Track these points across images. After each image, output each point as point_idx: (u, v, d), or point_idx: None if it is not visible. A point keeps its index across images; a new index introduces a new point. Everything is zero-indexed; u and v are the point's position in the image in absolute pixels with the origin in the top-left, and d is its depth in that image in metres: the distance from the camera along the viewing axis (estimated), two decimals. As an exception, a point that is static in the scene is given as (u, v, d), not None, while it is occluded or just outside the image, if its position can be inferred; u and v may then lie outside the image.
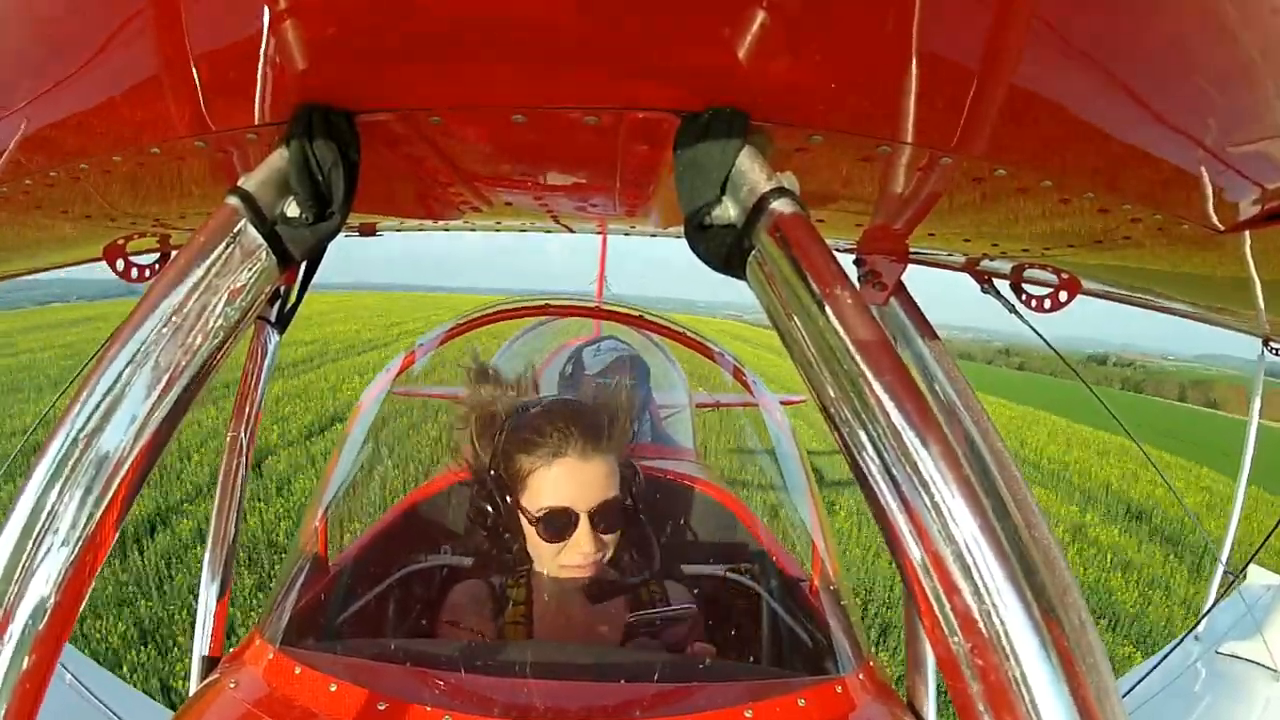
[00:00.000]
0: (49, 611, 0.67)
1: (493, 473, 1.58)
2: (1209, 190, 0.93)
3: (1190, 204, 0.97)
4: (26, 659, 0.66)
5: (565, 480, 1.48)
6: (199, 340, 0.72)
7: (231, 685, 1.26)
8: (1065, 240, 1.21)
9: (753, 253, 0.73)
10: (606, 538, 1.50)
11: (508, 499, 1.54)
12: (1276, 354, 2.88)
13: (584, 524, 1.47)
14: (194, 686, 1.58)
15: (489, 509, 1.58)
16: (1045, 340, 1.86)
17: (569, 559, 1.49)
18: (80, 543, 0.67)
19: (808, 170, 0.80)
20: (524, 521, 1.52)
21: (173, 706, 4.24)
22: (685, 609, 1.60)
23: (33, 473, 0.68)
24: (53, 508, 0.67)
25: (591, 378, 3.52)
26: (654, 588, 1.62)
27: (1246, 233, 1.05)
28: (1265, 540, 3.60)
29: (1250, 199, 0.98)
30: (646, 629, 1.56)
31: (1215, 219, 1.00)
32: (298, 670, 1.24)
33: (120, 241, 1.53)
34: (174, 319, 0.72)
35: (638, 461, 1.71)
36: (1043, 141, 0.83)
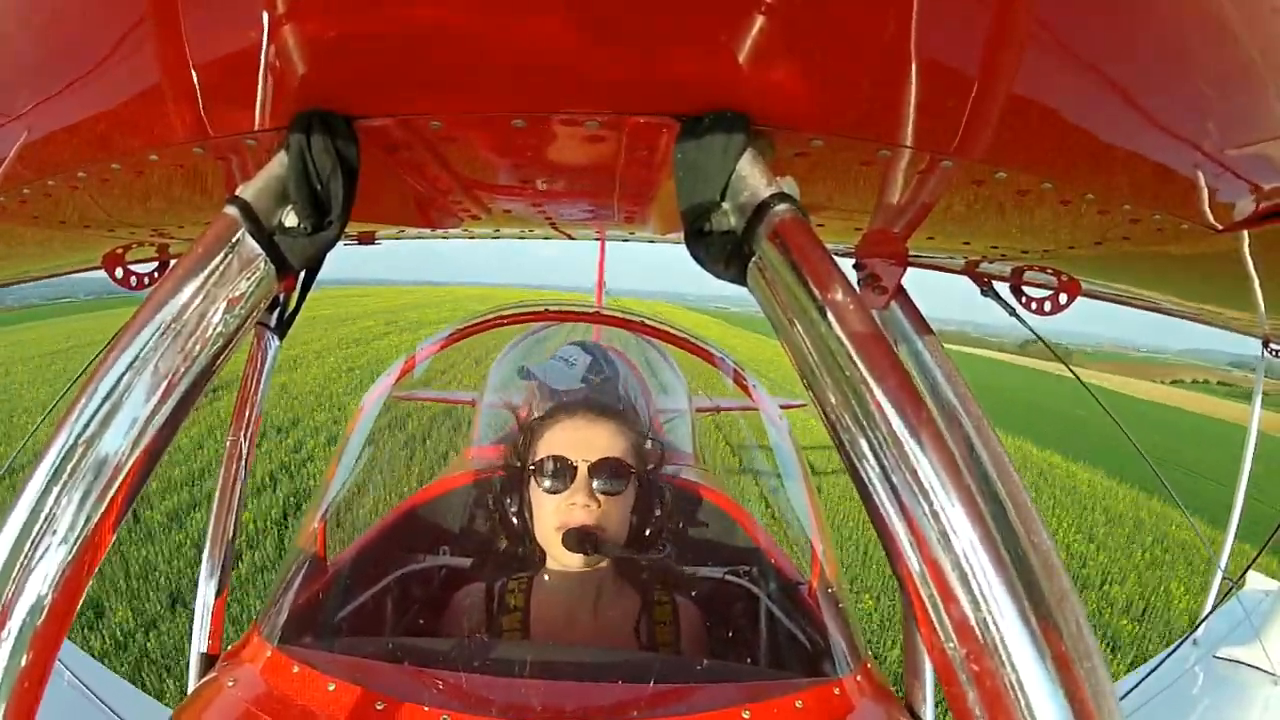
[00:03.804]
0: (46, 610, 0.67)
1: (518, 462, 1.65)
2: (1206, 191, 0.93)
3: (1189, 204, 0.97)
4: (25, 657, 0.67)
5: (570, 434, 1.59)
6: (198, 347, 0.72)
7: (230, 683, 1.26)
8: (1065, 241, 1.21)
9: (753, 258, 0.73)
10: (604, 498, 1.52)
11: (525, 489, 1.61)
12: (1276, 355, 2.87)
13: (582, 474, 1.53)
14: (192, 684, 1.58)
15: (508, 499, 1.64)
16: (1046, 343, 1.86)
17: (567, 516, 1.51)
18: (78, 543, 0.68)
19: (808, 175, 0.80)
20: (531, 486, 1.58)
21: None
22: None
23: (32, 475, 0.68)
24: (51, 509, 0.67)
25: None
26: (656, 592, 1.62)
27: (1245, 233, 1.05)
28: (1264, 546, 3.60)
29: (1248, 199, 0.98)
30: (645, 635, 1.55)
31: (1213, 219, 1.00)
32: (296, 669, 1.24)
33: (119, 250, 1.53)
34: (173, 326, 0.72)
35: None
36: (1042, 144, 0.83)
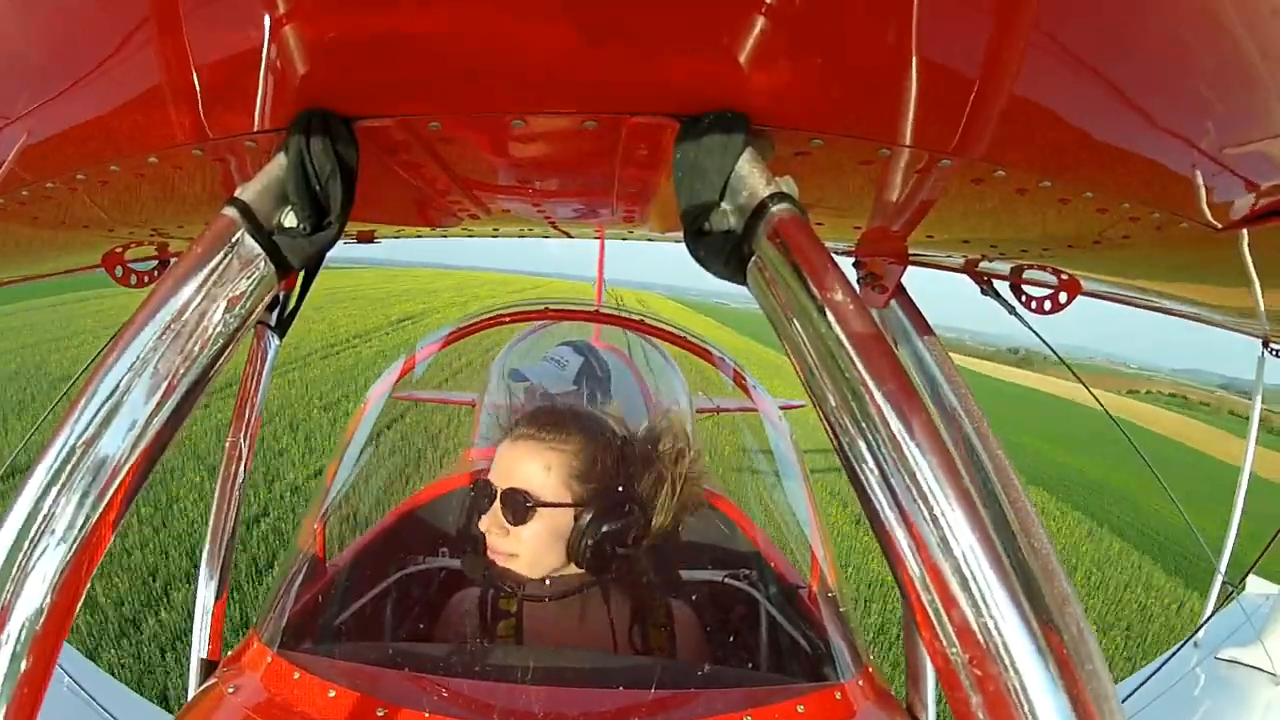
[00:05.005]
0: (45, 613, 0.67)
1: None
2: (1204, 190, 0.93)
3: (1187, 202, 0.97)
4: (24, 661, 0.66)
5: (500, 454, 1.55)
6: (198, 347, 0.72)
7: (230, 690, 1.26)
8: (1064, 240, 1.21)
9: (753, 258, 0.73)
10: (512, 528, 1.47)
11: None
12: (1276, 354, 2.87)
13: (497, 503, 1.49)
14: (192, 690, 1.57)
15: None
16: (1046, 343, 1.86)
17: (490, 540, 1.49)
18: (77, 545, 0.67)
19: (807, 174, 0.80)
20: None
21: (171, 709, 4.22)
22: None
23: (31, 476, 0.68)
24: (50, 510, 0.67)
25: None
26: (653, 597, 1.61)
27: (1244, 231, 1.05)
28: (1264, 551, 3.60)
29: (1246, 197, 0.98)
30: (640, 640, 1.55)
31: (1211, 217, 1.00)
32: (296, 675, 1.24)
33: (118, 249, 1.53)
34: (173, 326, 0.71)
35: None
36: (1041, 143, 0.83)
